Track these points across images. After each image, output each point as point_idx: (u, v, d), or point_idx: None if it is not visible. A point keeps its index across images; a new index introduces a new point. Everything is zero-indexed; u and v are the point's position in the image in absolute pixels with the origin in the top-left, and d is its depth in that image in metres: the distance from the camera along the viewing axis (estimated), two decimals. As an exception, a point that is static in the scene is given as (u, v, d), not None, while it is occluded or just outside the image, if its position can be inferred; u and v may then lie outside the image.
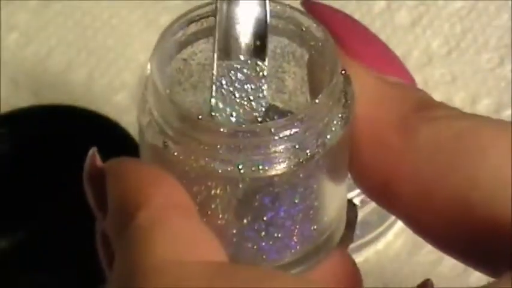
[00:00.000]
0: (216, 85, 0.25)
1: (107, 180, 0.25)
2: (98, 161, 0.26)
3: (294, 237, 0.26)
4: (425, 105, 0.25)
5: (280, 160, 0.24)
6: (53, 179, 0.44)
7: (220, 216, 0.25)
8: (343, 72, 0.25)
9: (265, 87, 0.26)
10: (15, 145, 0.45)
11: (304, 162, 0.24)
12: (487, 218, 0.23)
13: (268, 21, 0.25)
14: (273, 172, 0.24)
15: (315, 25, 0.26)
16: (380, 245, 0.44)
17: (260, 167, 0.24)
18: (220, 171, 0.24)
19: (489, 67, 0.50)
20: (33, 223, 0.43)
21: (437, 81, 0.50)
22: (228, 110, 0.26)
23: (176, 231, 0.23)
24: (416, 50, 0.51)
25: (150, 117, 0.25)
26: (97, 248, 0.26)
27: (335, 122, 0.24)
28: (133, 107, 0.50)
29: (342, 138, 0.25)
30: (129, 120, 0.45)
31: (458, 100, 0.49)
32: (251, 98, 0.26)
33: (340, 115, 0.25)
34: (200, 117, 0.24)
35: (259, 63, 0.26)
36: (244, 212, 0.25)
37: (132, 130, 0.44)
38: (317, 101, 0.24)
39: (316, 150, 0.24)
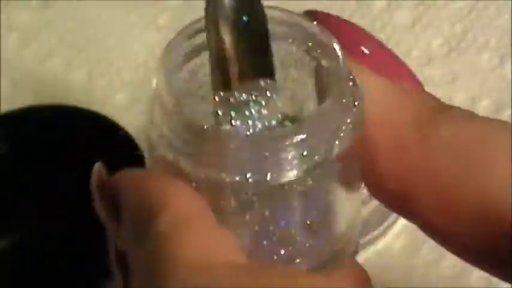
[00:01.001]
0: (218, 121, 0.25)
1: (121, 190, 0.25)
2: (105, 174, 0.26)
3: (308, 245, 0.25)
4: (440, 108, 0.25)
5: (289, 168, 0.23)
6: (53, 179, 0.44)
7: (234, 226, 0.25)
8: (351, 77, 0.25)
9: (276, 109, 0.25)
10: (15, 145, 0.45)
11: (312, 169, 0.24)
12: (504, 224, 0.23)
13: (269, 35, 0.25)
14: (282, 180, 0.23)
15: (321, 32, 0.25)
16: (380, 245, 0.44)
17: (268, 176, 0.23)
18: (228, 180, 0.23)
19: (489, 67, 0.50)
20: (33, 223, 0.43)
21: (437, 81, 0.50)
22: None
23: (199, 233, 0.23)
24: (416, 50, 0.51)
25: (159, 130, 0.24)
26: (111, 265, 0.26)
27: (344, 128, 0.24)
28: (134, 107, 0.50)
29: (351, 144, 0.24)
30: (129, 120, 0.45)
31: (458, 100, 0.49)
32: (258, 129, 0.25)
33: (349, 121, 0.24)
34: (206, 126, 0.24)
35: (268, 82, 0.25)
36: (256, 221, 0.25)
37: (132, 130, 0.44)
38: (324, 107, 0.24)
39: (325, 157, 0.24)
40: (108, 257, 0.27)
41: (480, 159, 0.24)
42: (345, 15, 0.53)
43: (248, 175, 0.23)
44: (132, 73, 0.51)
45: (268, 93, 0.25)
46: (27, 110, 0.46)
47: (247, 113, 0.25)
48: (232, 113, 0.25)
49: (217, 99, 0.25)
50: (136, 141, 0.43)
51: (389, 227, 0.44)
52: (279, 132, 0.23)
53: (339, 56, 0.25)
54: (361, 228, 0.28)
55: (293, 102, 0.27)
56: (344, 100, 0.24)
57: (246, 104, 0.25)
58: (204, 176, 0.24)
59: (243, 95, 0.25)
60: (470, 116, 0.25)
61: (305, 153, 0.23)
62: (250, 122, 0.25)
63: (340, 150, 0.24)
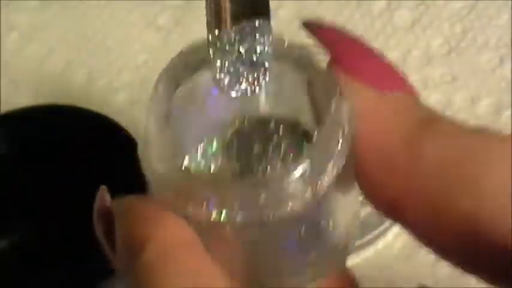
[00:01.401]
0: (214, 55, 0.24)
1: (115, 218, 0.25)
2: (107, 200, 0.26)
3: (309, 256, 0.25)
4: (428, 120, 0.24)
5: (288, 201, 0.23)
6: (53, 179, 0.44)
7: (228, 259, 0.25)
8: (340, 92, 0.25)
9: (268, 44, 0.25)
10: (15, 145, 0.45)
11: (312, 199, 0.23)
12: (496, 236, 0.23)
13: None
14: (280, 216, 0.23)
15: (313, 59, 0.25)
16: (380, 245, 0.44)
17: (265, 213, 0.23)
18: (212, 219, 0.23)
19: (489, 67, 0.50)
20: (33, 223, 0.43)
21: (437, 81, 0.50)
22: (230, 80, 0.25)
23: (181, 264, 0.23)
24: (416, 50, 0.51)
25: (150, 167, 0.24)
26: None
27: (337, 150, 0.24)
28: (134, 107, 0.50)
29: (345, 164, 0.24)
30: (129, 120, 0.45)
31: (458, 100, 0.49)
32: (253, 57, 0.25)
33: (341, 142, 0.24)
34: (186, 166, 0.24)
35: (262, 22, 0.24)
36: (252, 253, 0.25)
37: (132, 130, 0.44)
38: (315, 142, 0.24)
39: (322, 184, 0.24)
40: (106, 256, 0.27)
41: (469, 174, 0.23)
42: (345, 15, 0.53)
43: (242, 214, 0.23)
44: (132, 73, 0.51)
45: (261, 34, 0.25)
46: (27, 110, 0.46)
47: (235, 55, 0.25)
48: (223, 54, 0.24)
49: (210, 38, 0.24)
50: (136, 141, 0.43)
51: (389, 227, 0.44)
52: (266, 177, 0.23)
53: (330, 84, 0.24)
54: (358, 233, 0.28)
55: (289, 109, 0.27)
56: (335, 129, 0.24)
57: (238, 43, 0.25)
58: (186, 212, 0.23)
59: (237, 34, 0.24)
60: (459, 128, 0.24)
61: (299, 187, 0.23)
62: (239, 65, 0.25)
63: (333, 174, 0.24)
